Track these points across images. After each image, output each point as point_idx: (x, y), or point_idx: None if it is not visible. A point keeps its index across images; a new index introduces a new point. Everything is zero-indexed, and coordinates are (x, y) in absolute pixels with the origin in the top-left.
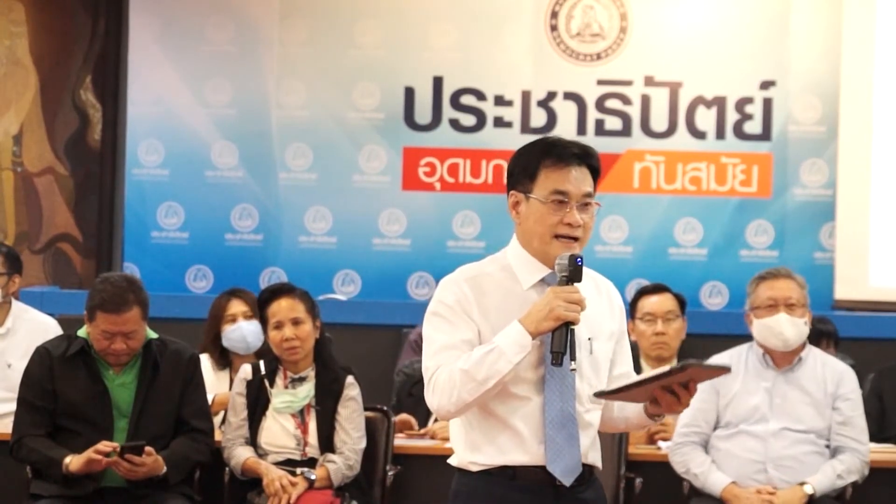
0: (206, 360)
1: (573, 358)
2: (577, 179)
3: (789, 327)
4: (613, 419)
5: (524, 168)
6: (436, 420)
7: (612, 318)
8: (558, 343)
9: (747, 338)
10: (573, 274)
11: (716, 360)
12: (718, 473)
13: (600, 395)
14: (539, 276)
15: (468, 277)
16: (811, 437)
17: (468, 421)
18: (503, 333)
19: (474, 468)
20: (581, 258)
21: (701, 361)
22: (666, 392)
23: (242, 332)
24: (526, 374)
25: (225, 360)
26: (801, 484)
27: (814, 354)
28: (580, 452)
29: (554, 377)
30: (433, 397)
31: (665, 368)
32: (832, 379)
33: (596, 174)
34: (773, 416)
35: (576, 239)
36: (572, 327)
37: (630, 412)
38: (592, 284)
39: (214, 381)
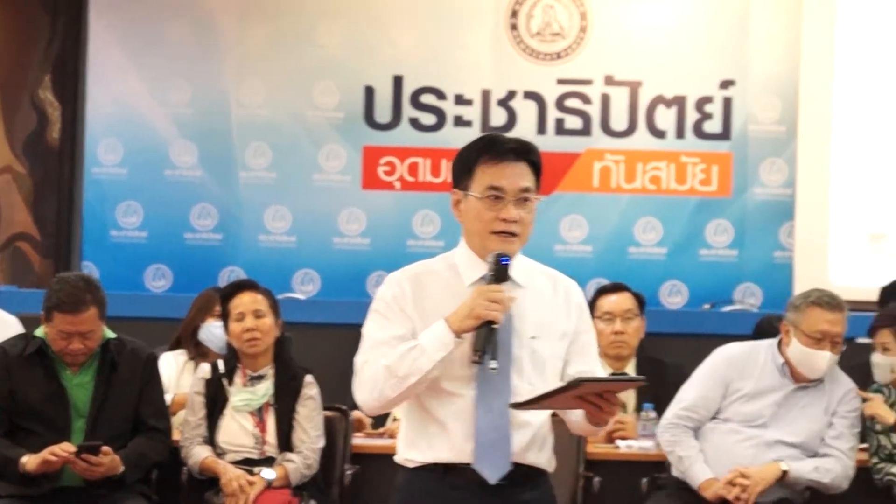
0: (171, 357)
1: (494, 357)
2: (513, 175)
3: (828, 363)
4: (570, 422)
5: (463, 165)
6: (395, 419)
7: (567, 318)
8: (479, 342)
9: (707, 337)
10: (497, 273)
11: (736, 347)
12: (703, 466)
13: (515, 406)
14: (480, 274)
15: (411, 275)
16: (798, 452)
17: (407, 417)
18: (428, 331)
19: (410, 465)
20: (507, 257)
21: (594, 377)
22: (585, 402)
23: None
24: (459, 370)
25: (199, 354)
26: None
27: (831, 375)
28: (510, 451)
29: (487, 374)
30: (358, 392)
31: (560, 384)
32: (837, 397)
33: (536, 170)
34: (773, 426)
35: (513, 234)
36: (494, 326)
37: (577, 417)
38: (549, 283)
39: (178, 376)
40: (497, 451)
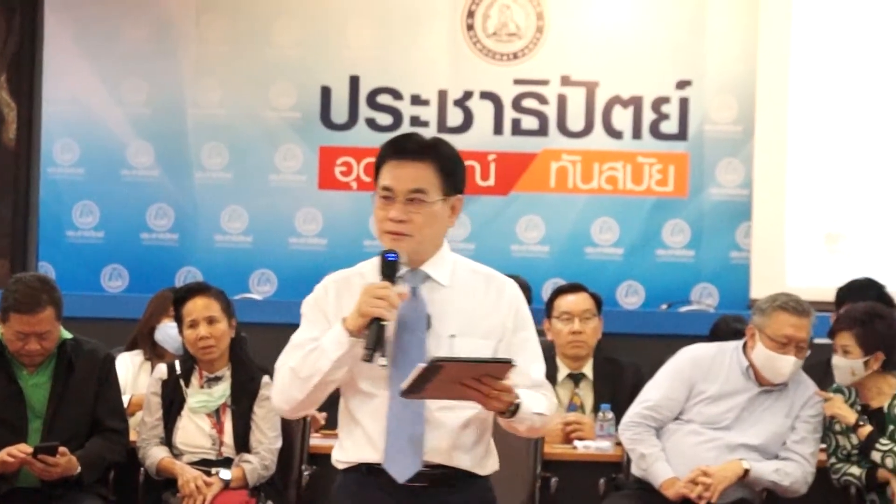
0: (127, 358)
1: (383, 354)
2: (405, 175)
3: (792, 368)
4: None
5: (376, 164)
6: None
7: (496, 315)
8: (368, 339)
9: (664, 337)
10: (383, 270)
11: (702, 349)
12: (665, 464)
13: (403, 393)
14: (398, 273)
15: (339, 278)
16: (758, 455)
17: (339, 418)
18: (328, 331)
19: (339, 465)
20: (394, 254)
21: (451, 357)
22: (469, 388)
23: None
24: (375, 370)
25: (155, 355)
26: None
27: (795, 380)
28: (421, 452)
29: (399, 373)
30: (273, 394)
31: (420, 367)
32: (800, 401)
33: (445, 170)
34: (736, 428)
35: (403, 234)
36: (383, 323)
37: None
38: (481, 282)
39: (135, 377)
40: (407, 452)
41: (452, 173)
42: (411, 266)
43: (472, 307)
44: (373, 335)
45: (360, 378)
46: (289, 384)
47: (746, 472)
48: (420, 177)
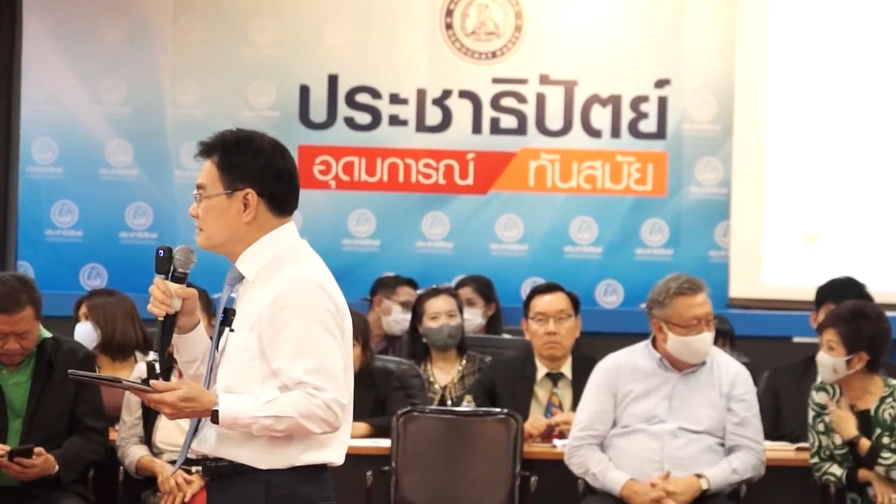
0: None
1: (155, 349)
2: (201, 172)
3: (709, 344)
4: None
5: None
6: None
7: (259, 308)
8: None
9: (643, 336)
10: (155, 265)
11: (612, 357)
12: (617, 471)
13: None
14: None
15: None
16: (705, 437)
17: None
18: None
19: None
20: (162, 250)
21: (80, 372)
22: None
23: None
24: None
25: None
26: (698, 476)
27: (711, 354)
28: (190, 441)
29: (205, 367)
30: None
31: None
32: (727, 380)
33: (224, 164)
34: (671, 418)
35: (198, 229)
36: (160, 319)
37: None
38: (276, 277)
39: None
40: (185, 442)
41: (233, 168)
42: (232, 261)
43: (249, 301)
44: (157, 331)
45: None
46: None
47: (706, 491)
48: (203, 173)
